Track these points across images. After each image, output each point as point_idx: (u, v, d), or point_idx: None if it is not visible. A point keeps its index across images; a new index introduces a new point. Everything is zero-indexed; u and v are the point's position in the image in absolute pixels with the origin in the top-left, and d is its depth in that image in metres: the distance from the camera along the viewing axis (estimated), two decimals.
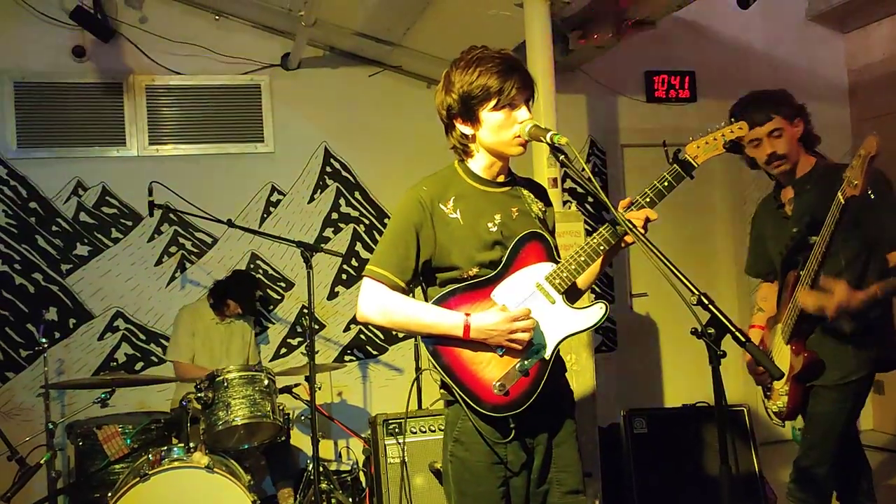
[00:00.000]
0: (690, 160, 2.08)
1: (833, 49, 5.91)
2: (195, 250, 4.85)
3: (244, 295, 4.50)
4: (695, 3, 4.40)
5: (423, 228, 2.09)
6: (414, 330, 2.10)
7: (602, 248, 2.09)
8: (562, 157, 2.03)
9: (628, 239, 2.08)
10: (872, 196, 2.33)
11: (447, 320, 2.03)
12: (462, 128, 2.12)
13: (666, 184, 2.09)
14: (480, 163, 2.16)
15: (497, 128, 2.08)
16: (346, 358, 5.06)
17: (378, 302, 2.08)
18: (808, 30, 5.87)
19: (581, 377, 3.75)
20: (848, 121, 5.89)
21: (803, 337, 2.60)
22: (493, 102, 2.06)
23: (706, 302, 1.66)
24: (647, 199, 2.08)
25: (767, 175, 2.85)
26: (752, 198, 5.66)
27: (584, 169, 1.95)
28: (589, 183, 1.93)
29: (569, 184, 5.41)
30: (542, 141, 2.02)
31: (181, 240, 4.85)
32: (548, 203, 2.29)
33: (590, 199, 5.48)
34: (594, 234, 2.10)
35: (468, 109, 2.08)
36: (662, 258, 1.74)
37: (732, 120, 2.15)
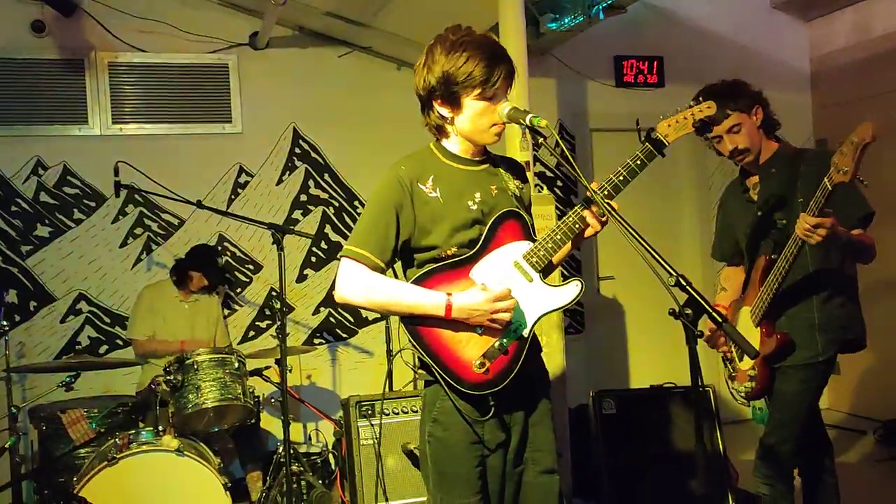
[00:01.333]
0: (662, 139, 2.08)
1: (796, 37, 6.01)
2: (161, 232, 4.77)
3: (206, 264, 4.39)
4: None
5: (403, 208, 2.07)
6: (395, 310, 2.08)
7: (578, 226, 2.10)
8: (541, 140, 2.03)
9: (590, 225, 2.09)
10: (866, 184, 2.37)
11: (428, 300, 2.02)
12: (441, 109, 2.11)
13: (638, 162, 2.08)
14: (457, 145, 2.16)
15: (477, 116, 2.07)
16: (316, 341, 5.04)
17: (358, 282, 2.06)
18: (773, 17, 5.96)
19: (552, 358, 3.79)
20: (809, 108, 6.01)
21: (773, 319, 2.66)
22: (476, 91, 2.04)
23: (684, 283, 1.69)
24: (620, 178, 2.08)
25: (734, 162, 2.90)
26: (716, 182, 5.76)
27: (563, 150, 1.95)
28: (568, 163, 1.93)
29: (538, 167, 5.43)
30: (520, 124, 2.02)
31: (147, 221, 4.77)
32: (524, 180, 2.28)
33: (559, 183, 5.52)
34: (569, 213, 2.11)
35: (450, 93, 2.06)
36: (640, 239, 1.76)
37: (701, 99, 2.17)
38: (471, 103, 2.06)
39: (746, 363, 2.73)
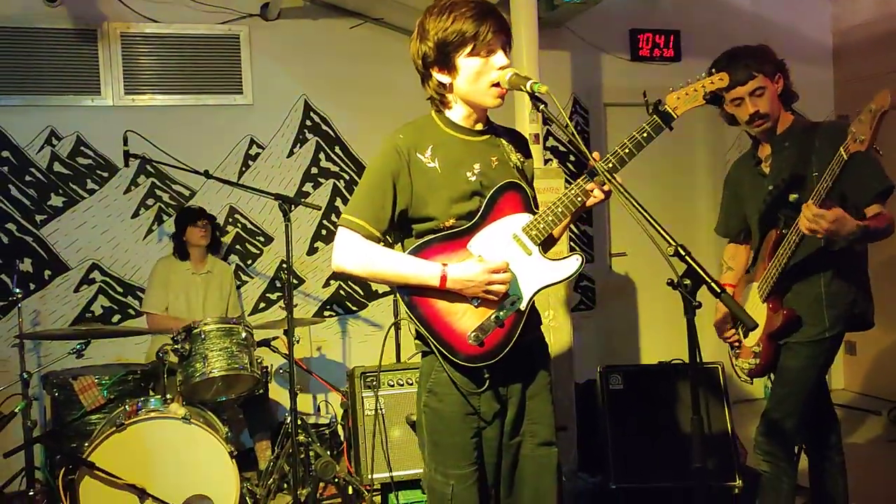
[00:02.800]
0: (670, 111, 2.03)
1: (819, 10, 5.88)
2: (173, 203, 4.79)
3: (192, 217, 4.37)
4: None
5: (400, 177, 2.06)
6: (390, 280, 2.08)
7: (580, 199, 2.07)
8: (542, 107, 2.00)
9: (593, 198, 2.06)
10: (880, 153, 2.32)
11: (424, 271, 2.01)
12: (439, 76, 2.09)
13: (645, 135, 2.03)
14: (459, 113, 2.13)
15: (474, 75, 2.04)
16: (326, 313, 5.06)
17: (353, 252, 2.05)
18: None
19: (558, 334, 3.78)
20: (831, 83, 5.89)
21: (780, 295, 2.62)
22: (469, 48, 2.02)
23: (683, 253, 1.66)
24: (626, 150, 2.04)
25: (747, 134, 2.84)
26: (732, 158, 5.67)
27: (563, 117, 1.92)
28: (567, 130, 1.90)
29: (551, 142, 5.38)
30: (522, 90, 1.99)
31: (158, 192, 4.78)
32: (527, 154, 2.25)
33: (572, 158, 5.47)
34: (571, 186, 2.08)
35: (444, 56, 2.05)
36: (640, 208, 1.73)
37: (713, 71, 2.12)
38: (465, 62, 2.04)
39: (752, 339, 2.70)
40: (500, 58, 2.05)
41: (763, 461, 2.71)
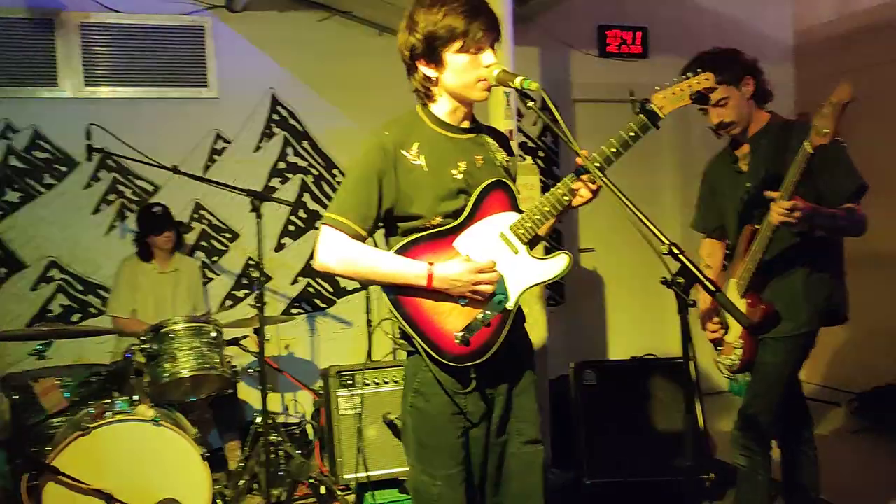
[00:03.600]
0: (657, 110, 2.02)
1: (781, 9, 5.98)
2: (135, 198, 4.65)
3: (156, 229, 4.22)
4: None
5: (386, 175, 2.02)
6: (376, 279, 2.04)
7: (566, 198, 2.05)
8: (529, 104, 1.98)
9: (580, 196, 2.05)
10: (844, 144, 2.35)
11: (410, 269, 1.99)
12: (425, 70, 2.05)
13: (632, 134, 2.01)
14: (444, 107, 2.10)
15: (462, 70, 2.02)
16: (294, 311, 4.98)
17: (338, 251, 2.02)
18: None
19: (533, 330, 3.76)
20: (792, 81, 5.99)
21: (758, 290, 2.65)
22: (458, 44, 1.99)
23: (676, 252, 1.66)
24: (613, 150, 2.02)
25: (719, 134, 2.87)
26: (697, 156, 5.73)
27: (554, 115, 1.90)
28: (560, 129, 1.89)
29: (520, 138, 5.37)
30: (510, 86, 1.98)
31: (120, 187, 4.65)
32: (510, 152, 2.25)
33: (540, 154, 5.47)
34: (559, 184, 2.06)
35: (432, 51, 2.02)
36: (632, 207, 1.72)
37: (699, 71, 2.10)
38: (453, 58, 2.01)
39: (732, 335, 2.73)
40: (488, 56, 2.02)
41: (739, 455, 2.74)
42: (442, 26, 1.98)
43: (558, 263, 2.08)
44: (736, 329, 2.70)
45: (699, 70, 2.08)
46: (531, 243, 2.10)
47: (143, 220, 4.30)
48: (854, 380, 5.27)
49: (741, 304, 2.65)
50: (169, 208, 4.32)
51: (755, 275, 2.61)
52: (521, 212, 2.09)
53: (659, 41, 5.59)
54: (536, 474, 2.19)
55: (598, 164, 2.00)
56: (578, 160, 1.98)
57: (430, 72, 2.05)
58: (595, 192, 2.05)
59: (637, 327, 5.43)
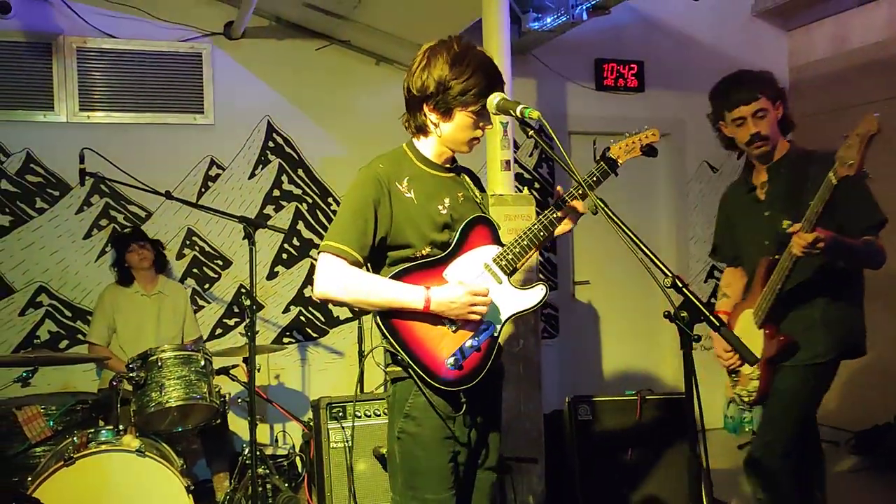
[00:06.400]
0: (615, 159, 2.27)
1: (776, 46, 6.03)
2: (128, 224, 4.60)
3: (126, 241, 4.22)
4: None
5: (381, 205, 2.10)
6: (374, 304, 2.06)
7: (542, 234, 2.20)
8: (530, 132, 1.99)
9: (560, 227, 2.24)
10: (871, 177, 2.34)
11: (408, 294, 2.04)
12: (430, 115, 2.14)
13: (595, 178, 2.24)
14: (431, 148, 2.21)
15: (462, 128, 2.14)
16: (285, 340, 4.91)
17: (340, 277, 2.05)
18: (753, 26, 5.98)
19: (528, 363, 3.72)
20: None
21: (777, 321, 2.60)
22: (471, 108, 2.10)
23: (680, 285, 1.61)
24: (580, 192, 2.19)
25: (740, 157, 2.85)
26: (693, 190, 5.75)
27: (554, 143, 1.89)
28: (557, 155, 1.90)
29: (516, 168, 5.36)
30: (511, 115, 2.01)
31: (113, 212, 4.60)
32: (482, 190, 2.38)
33: (536, 185, 5.46)
34: (538, 218, 2.21)
35: (445, 102, 2.09)
36: (636, 240, 1.69)
37: (646, 127, 2.30)
38: (462, 117, 2.12)
39: (750, 367, 2.67)
40: (489, 121, 2.17)
41: (756, 486, 2.68)
42: (464, 87, 2.06)
43: (537, 293, 2.20)
44: None
45: (646, 127, 2.31)
46: (511, 274, 2.20)
47: (116, 243, 4.33)
48: (852, 419, 5.21)
49: (758, 335, 2.60)
50: (142, 228, 4.32)
51: (774, 305, 2.57)
52: (502, 244, 2.21)
53: (655, 76, 5.63)
54: (492, 499, 2.29)
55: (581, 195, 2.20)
56: (558, 190, 2.22)
57: (434, 118, 2.14)
58: (575, 220, 2.22)
59: (632, 361, 5.37)
